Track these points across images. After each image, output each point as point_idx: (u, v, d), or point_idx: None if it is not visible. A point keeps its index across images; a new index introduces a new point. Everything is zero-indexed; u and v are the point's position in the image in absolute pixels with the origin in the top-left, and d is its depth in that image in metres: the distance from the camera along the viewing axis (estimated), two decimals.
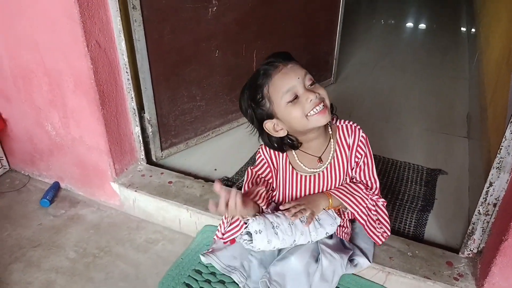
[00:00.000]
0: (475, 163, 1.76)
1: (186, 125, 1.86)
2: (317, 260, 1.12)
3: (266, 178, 1.23)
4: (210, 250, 1.24)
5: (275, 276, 1.10)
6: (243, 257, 1.19)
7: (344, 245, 1.26)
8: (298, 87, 1.00)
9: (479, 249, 1.30)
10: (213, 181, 1.67)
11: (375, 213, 1.16)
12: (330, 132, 1.15)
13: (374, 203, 1.15)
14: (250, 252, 1.18)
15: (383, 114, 2.27)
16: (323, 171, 1.16)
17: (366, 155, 1.15)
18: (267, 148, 1.19)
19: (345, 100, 2.34)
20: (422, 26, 3.76)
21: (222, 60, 1.83)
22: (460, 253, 1.34)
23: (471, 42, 3.04)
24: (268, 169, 1.22)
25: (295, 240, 1.08)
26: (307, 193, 1.19)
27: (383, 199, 1.16)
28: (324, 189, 1.18)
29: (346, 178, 1.18)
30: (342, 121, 1.16)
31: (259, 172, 1.23)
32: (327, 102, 1.04)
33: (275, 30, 1.98)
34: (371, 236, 1.19)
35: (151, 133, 1.73)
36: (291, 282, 1.09)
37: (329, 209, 1.14)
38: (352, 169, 1.17)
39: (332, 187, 1.17)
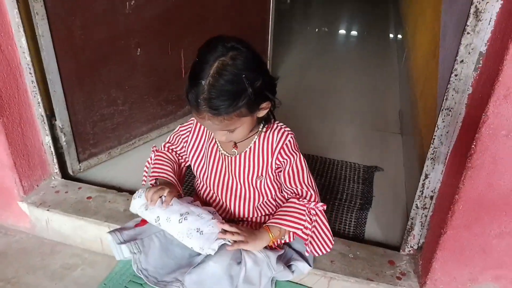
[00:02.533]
0: (409, 158, 1.76)
1: (107, 132, 1.68)
2: (240, 262, 1.01)
3: (179, 151, 1.22)
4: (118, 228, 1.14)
5: (192, 285, 0.97)
6: (145, 235, 1.08)
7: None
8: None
9: (419, 245, 1.27)
10: None
11: (313, 229, 1.07)
12: (259, 129, 1.07)
13: (315, 211, 1.06)
14: (154, 232, 1.09)
15: (318, 113, 2.24)
16: (236, 157, 1.09)
17: (293, 161, 1.06)
18: None
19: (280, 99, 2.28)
20: (354, 32, 3.87)
21: (145, 59, 1.68)
22: (401, 250, 1.30)
23: (399, 44, 3.14)
24: (185, 139, 1.17)
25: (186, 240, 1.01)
26: (223, 172, 1.12)
27: (321, 203, 1.07)
28: (237, 175, 1.10)
29: (261, 177, 1.09)
30: (278, 123, 1.09)
31: (174, 142, 1.22)
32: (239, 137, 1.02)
33: (203, 28, 1.86)
34: (314, 253, 1.10)
35: (65, 143, 1.53)
36: None
37: (272, 243, 1.06)
38: (277, 174, 1.09)
39: (246, 176, 1.10)
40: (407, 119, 2.01)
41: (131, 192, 1.53)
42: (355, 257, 1.28)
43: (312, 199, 1.06)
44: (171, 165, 1.17)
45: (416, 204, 1.20)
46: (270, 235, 1.03)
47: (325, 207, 1.07)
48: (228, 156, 1.10)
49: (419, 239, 1.26)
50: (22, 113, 1.37)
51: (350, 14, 4.47)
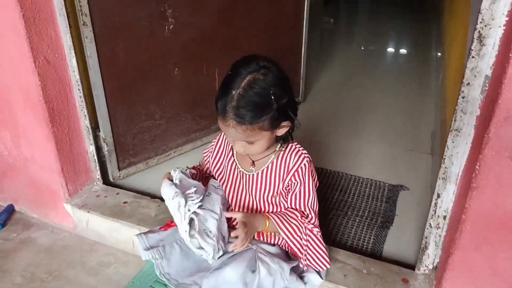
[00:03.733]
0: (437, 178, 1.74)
1: (146, 144, 1.83)
2: (255, 270, 1.08)
3: (205, 170, 1.32)
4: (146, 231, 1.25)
5: None
6: (167, 241, 1.18)
7: (289, 256, 1.22)
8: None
9: (434, 264, 1.27)
10: None
11: (306, 242, 1.15)
12: (276, 149, 1.15)
13: (309, 235, 1.15)
14: (176, 239, 1.18)
15: (348, 131, 2.27)
16: (253, 175, 1.17)
17: (303, 184, 1.13)
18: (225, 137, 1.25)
19: (311, 118, 2.34)
20: (392, 50, 3.86)
21: (181, 78, 1.82)
22: (416, 269, 1.30)
23: (438, 63, 3.10)
24: (207, 159, 1.29)
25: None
26: (240, 188, 1.20)
27: (318, 229, 1.15)
28: (254, 192, 1.18)
29: (276, 196, 1.17)
30: (296, 145, 1.17)
31: (201, 164, 1.34)
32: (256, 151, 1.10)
33: (237, 48, 1.99)
34: (311, 265, 1.19)
35: (107, 152, 1.69)
36: None
37: (265, 231, 1.15)
38: (286, 192, 1.16)
39: (262, 194, 1.17)
40: (438, 139, 1.99)
41: (162, 199, 1.65)
42: (369, 273, 1.30)
43: (312, 222, 1.14)
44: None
45: (430, 223, 1.21)
46: (267, 223, 1.11)
47: (320, 233, 1.15)
48: (246, 174, 1.18)
49: (434, 259, 1.26)
50: (71, 124, 1.54)
51: (392, 32, 4.45)
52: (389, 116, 2.45)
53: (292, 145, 1.15)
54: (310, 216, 1.15)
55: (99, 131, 1.66)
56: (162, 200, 1.62)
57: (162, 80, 1.77)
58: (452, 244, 1.06)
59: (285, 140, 1.14)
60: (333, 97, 2.71)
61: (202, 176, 1.31)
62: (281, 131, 1.08)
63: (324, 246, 1.17)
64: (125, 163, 1.79)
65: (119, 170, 1.77)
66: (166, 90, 1.80)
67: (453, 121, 1.05)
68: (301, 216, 1.13)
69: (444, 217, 1.18)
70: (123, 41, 1.58)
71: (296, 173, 1.12)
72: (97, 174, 1.70)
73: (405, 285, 1.26)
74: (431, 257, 1.26)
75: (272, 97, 0.99)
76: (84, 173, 1.67)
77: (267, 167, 1.16)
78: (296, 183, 1.13)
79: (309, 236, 1.14)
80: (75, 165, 1.60)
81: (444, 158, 1.10)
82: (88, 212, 1.57)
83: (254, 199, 1.19)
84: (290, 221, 1.12)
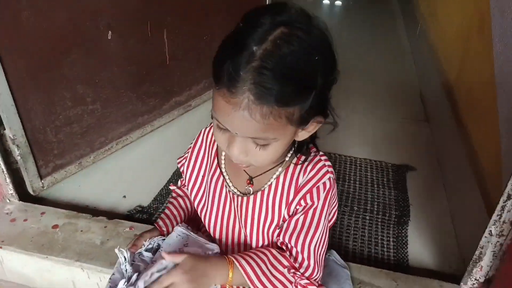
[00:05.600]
0: (446, 153, 1.47)
1: (76, 138, 1.33)
2: None
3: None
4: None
5: None
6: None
7: None
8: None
9: (487, 277, 0.98)
10: (121, 216, 1.20)
11: None
12: (286, 159, 0.74)
13: None
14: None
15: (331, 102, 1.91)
16: (249, 197, 0.75)
17: (312, 210, 0.72)
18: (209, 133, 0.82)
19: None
20: (338, 2, 3.50)
21: (118, 45, 1.33)
22: (462, 283, 1.02)
23: (407, 14, 2.81)
24: (182, 170, 0.86)
25: None
26: (226, 216, 0.79)
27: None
28: (248, 223, 0.77)
29: (276, 228, 0.76)
30: (321, 156, 0.75)
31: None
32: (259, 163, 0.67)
33: (191, 4, 1.51)
34: None
35: (19, 157, 1.19)
36: None
37: (228, 285, 0.72)
38: (287, 219, 0.75)
39: (259, 225, 0.76)
40: (435, 104, 1.71)
41: (110, 214, 1.21)
42: None
43: (307, 274, 0.72)
44: (178, 211, 0.88)
45: (490, 231, 0.91)
46: (230, 274, 0.69)
47: None
48: (238, 196, 0.78)
49: (488, 271, 0.97)
50: None
51: None
52: (370, 82, 2.12)
53: (316, 156, 0.75)
54: (305, 263, 0.72)
55: (4, 129, 1.14)
56: (110, 217, 1.19)
57: (91, 49, 1.26)
58: None
59: (300, 149, 0.73)
60: None
61: (190, 211, 0.90)
62: (305, 133, 0.67)
63: None
64: (49, 167, 1.29)
65: (41, 179, 1.28)
66: (99, 63, 1.30)
67: None
68: (291, 265, 0.72)
69: None
70: None
71: (310, 193, 0.72)
72: (9, 189, 1.20)
73: None
74: (484, 269, 0.97)
75: (318, 68, 0.58)
76: None
77: (270, 185, 0.75)
78: (305, 205, 0.73)
79: None
80: None
81: None
82: (0, 247, 1.08)
83: (248, 233, 0.78)
84: (272, 274, 0.71)
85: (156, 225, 0.84)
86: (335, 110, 0.67)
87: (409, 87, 2.04)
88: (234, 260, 0.70)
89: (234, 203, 0.77)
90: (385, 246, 1.18)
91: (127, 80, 1.41)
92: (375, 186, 1.40)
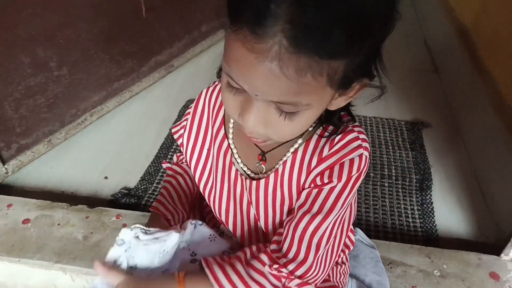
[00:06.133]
0: (464, 106, 1.33)
1: (41, 112, 1.12)
2: None
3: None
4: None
5: None
6: None
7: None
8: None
9: None
10: (104, 202, 1.02)
11: None
12: (310, 128, 0.56)
13: None
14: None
15: None
16: (259, 182, 0.58)
17: (328, 189, 0.54)
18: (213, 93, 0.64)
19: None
20: None
21: None
22: (503, 254, 0.90)
23: None
24: (181, 142, 0.68)
25: None
26: (235, 200, 0.62)
27: None
28: (263, 209, 0.60)
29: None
30: (355, 127, 0.55)
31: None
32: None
33: None
34: None
35: None
36: None
37: None
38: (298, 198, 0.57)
39: (275, 210, 0.59)
40: (445, 52, 1.55)
41: (90, 201, 1.02)
42: (442, 274, 0.87)
43: (299, 270, 0.54)
44: (177, 191, 0.70)
45: None
46: None
47: None
48: (248, 177, 0.60)
49: None
50: None
51: None
52: None
53: (347, 126, 0.55)
54: (292, 254, 0.54)
55: None
56: (91, 205, 1.01)
57: (51, 0, 1.02)
58: None
59: (330, 117, 0.54)
60: None
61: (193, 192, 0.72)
62: (341, 100, 0.49)
63: None
64: (12, 149, 1.09)
65: (4, 163, 1.08)
66: (62, 18, 1.06)
67: None
68: (269, 258, 0.55)
69: None
70: None
71: (330, 169, 0.54)
72: None
73: (496, 283, 0.86)
74: None
75: (378, 10, 0.41)
76: None
77: (285, 162, 0.57)
78: (319, 185, 0.55)
79: None
80: None
81: None
82: None
83: (263, 222, 0.61)
84: (250, 275, 0.54)
85: (157, 211, 0.66)
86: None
87: (414, 34, 1.86)
88: (185, 276, 0.54)
89: (245, 184, 0.60)
90: (409, 216, 1.05)
91: (97, 39, 1.19)
92: (390, 147, 1.25)
